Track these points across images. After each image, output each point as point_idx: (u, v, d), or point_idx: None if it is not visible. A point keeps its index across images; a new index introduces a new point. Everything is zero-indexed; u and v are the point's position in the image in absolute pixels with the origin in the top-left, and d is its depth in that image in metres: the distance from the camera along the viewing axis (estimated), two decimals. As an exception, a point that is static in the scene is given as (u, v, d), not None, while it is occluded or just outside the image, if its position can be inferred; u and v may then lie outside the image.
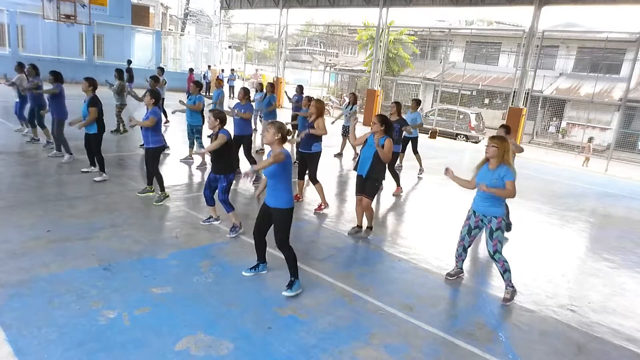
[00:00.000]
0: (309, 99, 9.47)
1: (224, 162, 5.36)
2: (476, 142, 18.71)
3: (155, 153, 6.35)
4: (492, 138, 4.44)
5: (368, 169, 5.59)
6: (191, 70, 21.39)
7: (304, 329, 3.66)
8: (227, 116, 5.58)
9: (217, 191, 5.44)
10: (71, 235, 4.93)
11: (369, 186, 5.68)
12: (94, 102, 6.82)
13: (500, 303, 4.50)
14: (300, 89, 12.09)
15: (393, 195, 8.20)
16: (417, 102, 10.12)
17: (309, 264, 4.85)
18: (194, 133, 8.74)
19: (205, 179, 5.61)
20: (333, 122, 11.35)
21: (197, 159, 8.81)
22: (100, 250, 4.65)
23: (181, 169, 8.49)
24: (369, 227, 6.01)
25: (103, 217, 5.57)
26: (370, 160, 5.58)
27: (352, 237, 5.85)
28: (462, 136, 18.85)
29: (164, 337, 3.35)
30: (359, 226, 6.03)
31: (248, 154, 7.93)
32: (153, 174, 6.41)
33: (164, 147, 6.53)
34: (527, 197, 8.90)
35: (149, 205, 6.22)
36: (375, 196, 5.92)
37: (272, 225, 4.24)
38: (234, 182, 5.82)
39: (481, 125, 19.64)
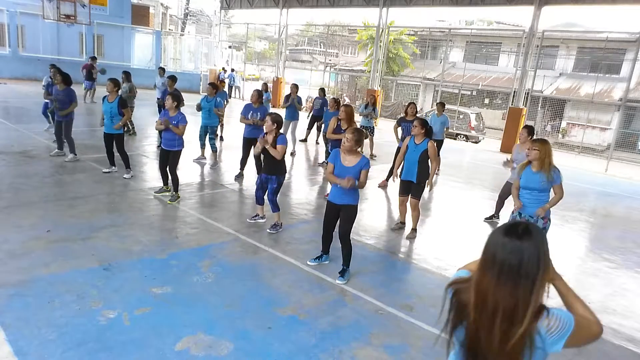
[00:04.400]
0: (335, 100, 9.50)
1: (277, 164, 5.45)
2: (476, 142, 18.69)
3: (179, 155, 6.41)
4: (534, 141, 4.63)
5: (417, 174, 5.76)
6: (93, 58, 16.10)
7: (304, 329, 3.66)
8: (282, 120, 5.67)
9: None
10: (71, 235, 4.93)
11: (414, 188, 5.91)
12: (124, 103, 7.06)
13: None
14: (322, 91, 12.17)
15: (379, 186, 8.38)
16: (443, 105, 10.25)
17: (309, 264, 4.85)
18: (207, 134, 8.80)
19: (256, 181, 5.80)
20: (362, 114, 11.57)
21: (210, 159, 8.85)
22: (100, 250, 4.65)
23: (181, 169, 8.48)
24: (414, 229, 6.11)
25: (103, 217, 5.57)
26: (416, 165, 5.75)
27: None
28: (462, 136, 18.84)
29: (164, 337, 3.35)
30: (402, 222, 6.33)
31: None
32: (172, 175, 6.43)
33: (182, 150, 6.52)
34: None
35: (149, 205, 6.22)
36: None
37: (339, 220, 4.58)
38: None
39: (481, 125, 19.62)
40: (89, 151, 8.55)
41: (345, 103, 7.26)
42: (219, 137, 11.81)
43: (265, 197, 5.71)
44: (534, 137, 6.55)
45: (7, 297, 3.64)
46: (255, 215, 5.96)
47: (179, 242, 5.13)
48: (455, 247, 6.00)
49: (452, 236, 6.46)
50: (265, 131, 5.43)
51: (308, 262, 4.86)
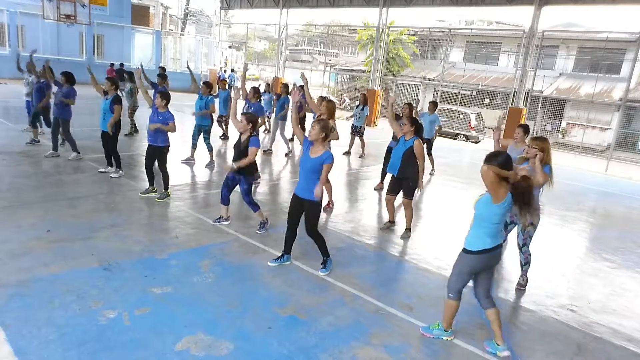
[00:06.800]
0: (322, 98, 9.41)
1: (248, 165, 5.37)
2: (476, 142, 18.70)
3: (164, 151, 6.38)
4: (533, 139, 4.64)
5: (399, 169, 5.74)
6: (112, 64, 18.98)
7: (304, 329, 3.66)
8: (259, 120, 5.60)
9: (240, 193, 5.53)
10: (71, 235, 4.93)
11: (405, 186, 5.85)
12: (118, 100, 7.01)
13: (515, 287, 4.87)
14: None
15: (375, 189, 8.38)
16: (435, 104, 10.31)
17: (309, 264, 4.85)
18: (200, 134, 8.77)
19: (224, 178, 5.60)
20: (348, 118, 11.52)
21: (201, 159, 8.82)
22: (100, 250, 4.65)
23: (181, 169, 8.49)
24: (408, 229, 6.05)
25: (103, 217, 5.57)
26: (400, 160, 5.72)
27: (351, 237, 5.85)
28: (462, 136, 18.85)
29: (164, 337, 3.35)
30: (391, 221, 6.27)
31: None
32: (162, 172, 6.43)
33: (169, 146, 6.52)
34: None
35: (149, 205, 6.22)
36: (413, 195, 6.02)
37: (303, 215, 4.54)
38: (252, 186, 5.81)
39: (481, 125, 19.63)
40: (88, 151, 8.54)
41: (327, 99, 7.10)
42: (223, 135, 11.82)
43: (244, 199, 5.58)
44: (530, 134, 6.53)
45: (7, 297, 3.65)
46: (219, 218, 5.75)
47: (179, 242, 5.13)
48: (455, 247, 5.98)
49: (452, 236, 6.45)
50: (239, 131, 5.36)
51: (269, 263, 4.74)
